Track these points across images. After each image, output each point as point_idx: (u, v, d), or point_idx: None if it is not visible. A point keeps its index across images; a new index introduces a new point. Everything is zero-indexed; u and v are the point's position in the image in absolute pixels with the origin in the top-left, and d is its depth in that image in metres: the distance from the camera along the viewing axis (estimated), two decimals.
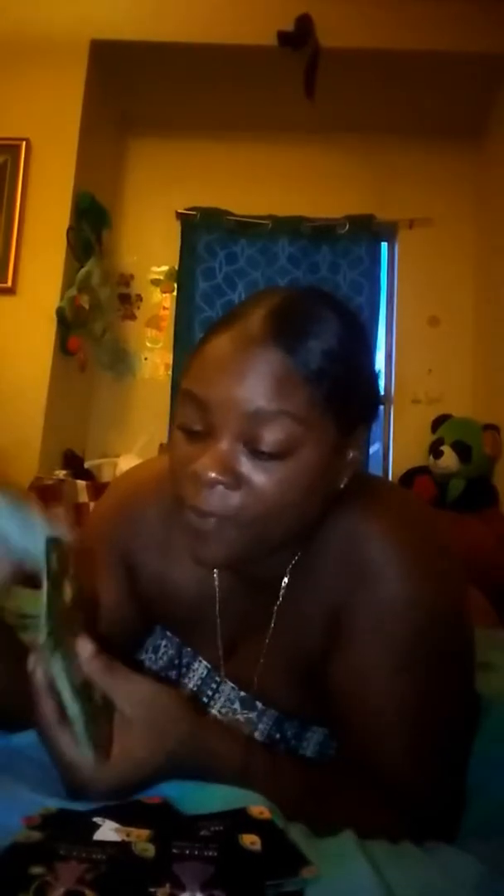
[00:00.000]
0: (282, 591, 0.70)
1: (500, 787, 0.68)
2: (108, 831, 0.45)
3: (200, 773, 0.55)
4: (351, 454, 0.64)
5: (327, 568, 0.68)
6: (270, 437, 0.57)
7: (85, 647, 0.54)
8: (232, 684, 0.76)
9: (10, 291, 2.78)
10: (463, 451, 2.54)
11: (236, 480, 0.58)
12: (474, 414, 2.84)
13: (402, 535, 0.66)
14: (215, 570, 0.75)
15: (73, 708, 0.51)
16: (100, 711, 0.53)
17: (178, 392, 0.63)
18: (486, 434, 2.56)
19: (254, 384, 0.57)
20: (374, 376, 0.66)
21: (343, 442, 0.62)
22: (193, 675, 0.79)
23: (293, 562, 0.69)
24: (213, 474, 0.57)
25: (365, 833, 0.53)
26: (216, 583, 0.75)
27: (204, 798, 0.52)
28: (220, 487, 0.58)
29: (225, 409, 0.58)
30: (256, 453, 0.58)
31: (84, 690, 0.53)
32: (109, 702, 0.54)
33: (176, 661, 0.80)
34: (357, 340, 0.64)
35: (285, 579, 0.70)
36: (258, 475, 0.58)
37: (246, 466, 0.59)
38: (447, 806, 0.66)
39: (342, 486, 0.64)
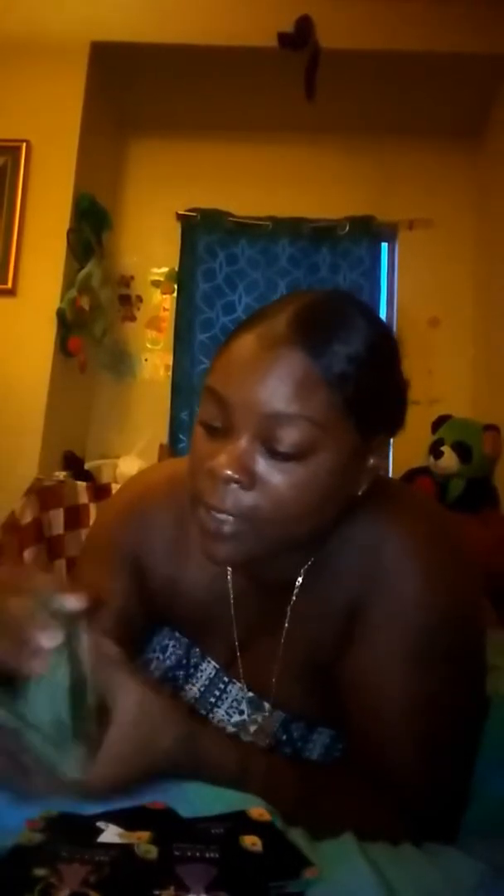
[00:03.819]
0: (295, 591, 0.70)
1: (500, 786, 0.69)
2: (111, 836, 0.46)
3: (195, 778, 0.55)
4: (371, 461, 0.64)
5: (343, 568, 0.68)
6: (287, 438, 0.58)
7: (91, 635, 0.53)
8: (240, 685, 0.76)
9: (11, 293, 2.78)
10: (463, 451, 2.53)
11: (251, 480, 0.59)
12: (474, 414, 2.83)
13: (420, 537, 0.67)
14: (229, 573, 0.75)
15: (65, 702, 0.51)
16: (90, 710, 0.52)
17: (203, 388, 0.64)
18: (487, 434, 2.55)
19: (274, 386, 0.58)
20: (400, 385, 0.65)
21: (363, 448, 0.62)
22: (201, 676, 0.79)
23: (308, 563, 0.69)
24: (228, 472, 0.58)
25: (365, 835, 0.53)
26: (230, 585, 0.75)
27: (205, 801, 0.52)
28: (235, 486, 0.59)
29: (244, 409, 0.59)
30: (273, 454, 0.59)
31: (80, 685, 0.52)
32: (103, 700, 0.53)
33: (184, 661, 0.80)
34: (383, 347, 0.63)
35: (299, 579, 0.70)
36: (274, 476, 0.59)
37: (262, 466, 0.59)
38: (449, 807, 0.66)
39: (360, 492, 0.64)
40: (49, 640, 0.50)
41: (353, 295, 0.66)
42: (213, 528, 0.60)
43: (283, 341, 0.58)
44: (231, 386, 0.59)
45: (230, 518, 0.60)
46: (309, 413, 0.58)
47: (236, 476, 0.58)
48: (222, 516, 0.60)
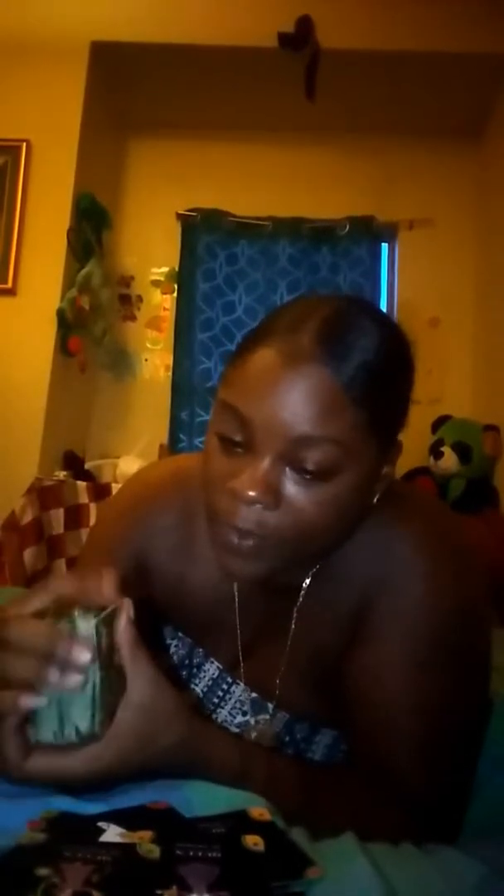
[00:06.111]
0: (302, 594, 0.70)
1: (500, 786, 0.69)
2: (112, 836, 0.46)
3: (196, 776, 0.56)
4: (385, 469, 0.63)
5: (350, 571, 0.68)
6: (313, 460, 0.57)
7: (125, 614, 0.53)
8: (244, 686, 0.76)
9: (11, 292, 2.78)
10: (463, 451, 2.53)
11: (276, 501, 0.58)
12: (474, 414, 2.84)
13: (427, 538, 0.67)
14: None
15: (95, 672, 0.50)
16: (116, 683, 0.53)
17: (216, 400, 0.62)
18: (487, 435, 2.55)
19: (300, 407, 0.56)
20: (412, 389, 0.65)
21: (381, 459, 0.62)
22: (204, 676, 0.79)
23: (315, 567, 0.69)
24: (252, 493, 0.57)
25: (366, 834, 0.53)
26: (235, 587, 0.75)
27: (206, 801, 0.52)
28: (259, 506, 0.58)
29: (268, 430, 0.57)
30: (297, 473, 0.58)
31: (109, 656, 0.52)
32: (123, 675, 0.53)
33: (186, 661, 0.80)
34: (402, 356, 0.63)
35: (306, 582, 0.70)
36: (298, 495, 0.58)
37: (286, 486, 0.58)
38: (450, 807, 0.66)
39: (375, 500, 0.64)
40: (81, 655, 0.49)
41: (365, 300, 0.65)
42: (233, 547, 0.60)
43: (307, 360, 0.56)
44: (253, 405, 0.57)
45: (252, 537, 0.59)
46: (335, 435, 0.56)
47: (260, 497, 0.57)
48: (244, 535, 0.59)
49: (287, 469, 0.58)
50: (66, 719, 0.50)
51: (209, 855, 0.44)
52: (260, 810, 0.50)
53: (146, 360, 3.32)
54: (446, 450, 2.55)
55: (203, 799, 0.53)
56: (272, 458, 0.58)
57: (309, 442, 0.56)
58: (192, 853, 0.44)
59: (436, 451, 2.58)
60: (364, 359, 0.57)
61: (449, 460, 2.54)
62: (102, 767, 0.51)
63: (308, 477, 0.58)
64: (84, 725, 0.50)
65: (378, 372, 0.58)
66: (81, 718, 0.50)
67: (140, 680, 0.53)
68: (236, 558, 0.60)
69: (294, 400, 0.56)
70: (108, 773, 0.52)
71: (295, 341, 0.57)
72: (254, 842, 0.46)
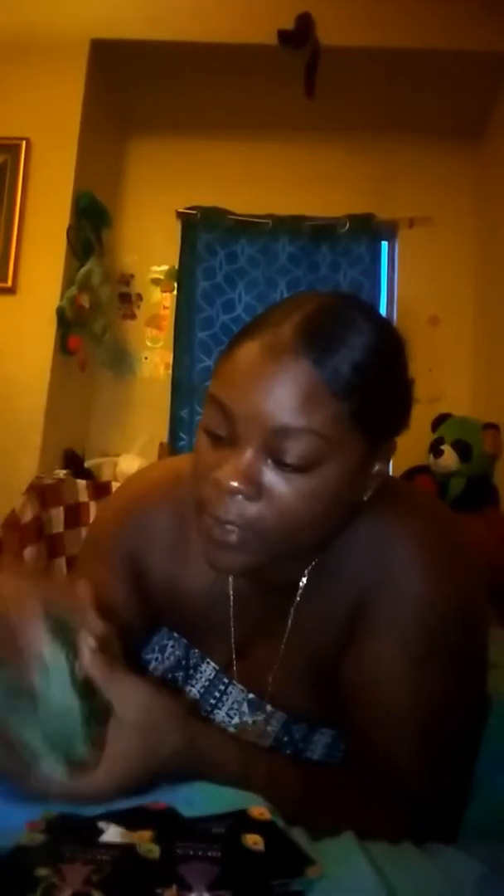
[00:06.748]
0: (299, 592, 0.70)
1: (500, 785, 0.69)
2: (112, 836, 0.46)
3: (196, 779, 0.55)
4: (377, 466, 0.64)
5: (347, 569, 0.68)
6: (294, 451, 0.57)
7: (88, 642, 0.54)
8: (241, 687, 0.76)
9: (10, 291, 2.78)
10: (463, 450, 2.53)
11: (257, 491, 0.59)
12: (474, 413, 2.83)
13: (424, 537, 0.67)
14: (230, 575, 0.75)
15: (73, 702, 0.51)
16: (100, 710, 0.53)
17: (206, 394, 0.63)
18: (487, 433, 2.55)
19: (280, 399, 0.57)
20: (407, 389, 0.65)
21: (370, 455, 0.62)
22: (201, 677, 0.79)
23: (311, 565, 0.69)
24: (234, 483, 0.58)
25: (365, 833, 0.53)
26: (230, 586, 0.75)
27: (205, 800, 0.52)
28: (241, 497, 0.59)
29: (249, 421, 0.58)
30: (279, 465, 0.58)
31: (86, 687, 0.53)
32: (108, 701, 0.54)
33: (183, 663, 0.80)
34: (391, 353, 0.63)
35: (303, 580, 0.70)
36: (280, 487, 0.59)
37: (268, 477, 0.59)
38: (449, 806, 0.66)
39: (366, 498, 0.64)
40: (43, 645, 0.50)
41: (358, 298, 0.65)
42: (217, 538, 0.60)
43: (289, 352, 0.57)
44: (236, 397, 0.59)
45: (235, 528, 0.59)
46: (315, 426, 0.57)
47: (242, 488, 0.58)
48: (228, 526, 0.60)
49: (269, 460, 0.59)
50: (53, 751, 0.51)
51: (209, 854, 0.44)
52: (260, 809, 0.50)
53: (146, 358, 3.32)
54: (446, 448, 2.55)
55: (203, 799, 0.53)
56: (254, 449, 0.58)
57: (289, 433, 0.57)
58: (191, 853, 0.44)
59: (435, 450, 2.58)
60: (348, 352, 0.58)
61: (449, 458, 2.54)
62: (110, 784, 0.51)
63: (289, 468, 0.58)
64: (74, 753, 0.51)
65: (361, 366, 0.58)
66: (69, 747, 0.51)
67: (125, 691, 0.53)
68: (220, 550, 0.61)
69: (274, 392, 0.57)
70: (117, 789, 0.52)
71: (277, 334, 0.58)
72: (254, 841, 0.46)
